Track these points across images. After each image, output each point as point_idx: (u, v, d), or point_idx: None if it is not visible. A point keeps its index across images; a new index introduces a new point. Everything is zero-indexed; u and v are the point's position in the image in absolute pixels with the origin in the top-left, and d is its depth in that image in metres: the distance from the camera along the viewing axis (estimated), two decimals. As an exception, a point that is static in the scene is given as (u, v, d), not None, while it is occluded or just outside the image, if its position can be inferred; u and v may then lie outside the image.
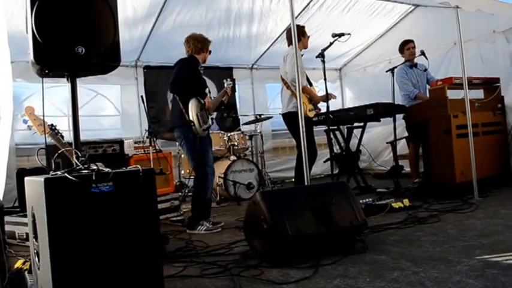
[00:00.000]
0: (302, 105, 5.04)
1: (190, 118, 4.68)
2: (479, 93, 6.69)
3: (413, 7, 8.36)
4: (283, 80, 5.85)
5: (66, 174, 2.27)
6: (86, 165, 2.49)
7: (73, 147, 2.69)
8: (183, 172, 7.40)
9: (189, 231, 4.76)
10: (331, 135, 6.85)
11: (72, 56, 2.57)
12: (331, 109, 5.71)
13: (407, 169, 7.72)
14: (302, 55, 5.75)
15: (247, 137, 7.74)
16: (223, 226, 4.88)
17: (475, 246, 3.34)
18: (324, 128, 6.19)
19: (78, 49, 2.57)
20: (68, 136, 3.13)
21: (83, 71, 2.82)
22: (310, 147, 5.14)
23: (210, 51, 5.14)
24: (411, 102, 6.64)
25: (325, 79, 5.01)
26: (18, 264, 3.31)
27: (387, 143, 8.64)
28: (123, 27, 6.69)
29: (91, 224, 2.31)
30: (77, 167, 2.48)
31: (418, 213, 4.81)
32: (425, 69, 6.87)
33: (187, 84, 4.74)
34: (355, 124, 7.16)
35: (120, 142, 5.65)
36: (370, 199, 5.16)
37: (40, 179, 2.24)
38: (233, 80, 5.53)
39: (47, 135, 3.44)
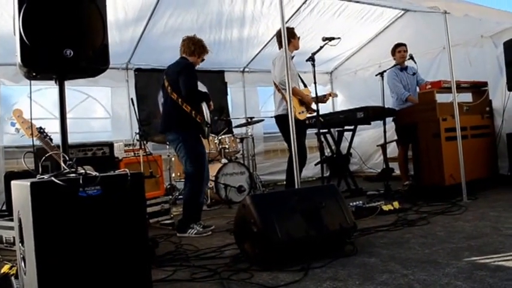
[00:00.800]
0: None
1: (207, 120, 4.72)
2: (467, 97, 6.74)
3: (403, 12, 8.41)
4: (274, 83, 5.85)
5: (52, 178, 2.25)
6: (73, 169, 2.48)
7: (61, 150, 2.68)
8: (173, 175, 7.38)
9: (179, 235, 4.74)
10: (322, 138, 6.88)
11: (60, 59, 2.56)
12: (322, 112, 5.72)
13: (397, 172, 7.74)
14: (293, 57, 5.75)
15: (238, 140, 7.74)
16: (213, 229, 4.87)
17: (463, 248, 3.36)
18: (315, 131, 6.19)
19: (66, 52, 2.56)
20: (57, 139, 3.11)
21: (72, 74, 2.80)
22: (298, 150, 5.15)
23: (203, 59, 5.13)
24: (401, 105, 6.68)
25: (315, 82, 5.02)
26: (5, 269, 3.28)
27: (378, 145, 8.67)
28: (113, 30, 6.74)
29: (78, 228, 2.29)
30: (64, 171, 2.47)
31: (407, 215, 4.83)
32: (414, 73, 6.91)
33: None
34: (346, 127, 7.18)
35: (110, 145, 5.62)
36: (361, 202, 5.17)
37: (26, 183, 2.22)
38: (225, 84, 5.54)
39: (35, 138, 3.42)
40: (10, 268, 3.25)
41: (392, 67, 6.78)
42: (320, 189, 3.91)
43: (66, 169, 2.49)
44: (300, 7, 7.64)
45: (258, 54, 9.07)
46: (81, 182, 2.30)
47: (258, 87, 9.93)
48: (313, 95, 5.79)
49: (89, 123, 8.16)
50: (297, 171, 4.25)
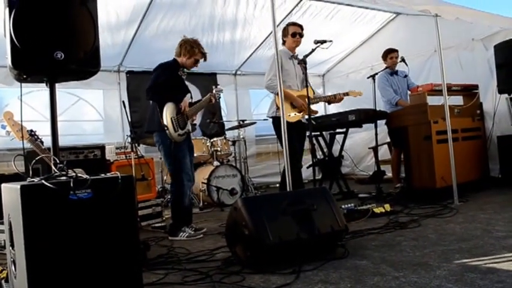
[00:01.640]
0: (279, 111, 4.98)
1: (164, 122, 4.66)
2: (458, 100, 6.78)
3: (394, 15, 8.45)
4: None
5: (43, 181, 2.24)
6: (64, 172, 2.47)
7: (51, 153, 2.66)
8: (165, 178, 7.36)
9: (170, 238, 4.73)
10: (314, 141, 6.88)
11: (51, 61, 2.54)
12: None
13: (389, 174, 7.77)
14: (292, 56, 5.58)
15: (230, 143, 7.74)
16: (205, 232, 4.87)
17: (454, 250, 3.37)
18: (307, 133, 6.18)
19: (57, 54, 2.54)
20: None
21: (62, 76, 2.78)
22: (293, 151, 5.12)
23: (196, 60, 4.97)
24: (393, 108, 6.71)
25: (306, 86, 5.02)
26: (-4, 272, 3.26)
27: (369, 148, 8.70)
28: (105, 32, 6.73)
29: (69, 231, 2.28)
30: (55, 174, 2.45)
31: (399, 218, 4.84)
32: (406, 76, 6.95)
33: (163, 90, 4.72)
34: (338, 130, 7.20)
35: (102, 148, 5.60)
36: (352, 204, 5.18)
37: (16, 186, 2.21)
38: (217, 86, 5.46)
39: (25, 140, 3.40)
40: (0, 272, 3.23)
41: (382, 70, 6.81)
42: (312, 191, 3.91)
43: (56, 172, 2.48)
44: (291, 10, 7.66)
45: (250, 56, 9.09)
46: (71, 185, 2.29)
47: (250, 90, 9.94)
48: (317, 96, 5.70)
49: (81, 126, 8.13)
50: (289, 174, 4.26)
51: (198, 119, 8.19)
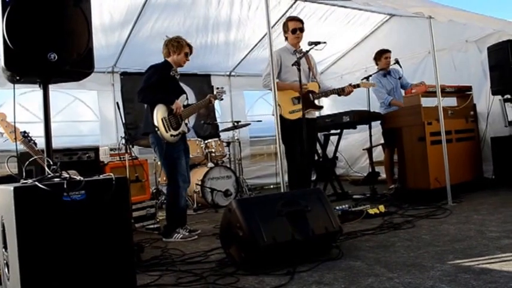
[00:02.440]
0: (279, 108, 4.87)
1: (155, 123, 4.65)
2: (452, 101, 6.81)
3: (388, 17, 8.48)
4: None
5: (36, 183, 2.23)
6: (57, 173, 2.46)
7: (45, 154, 2.65)
8: (159, 179, 7.35)
9: (165, 240, 4.72)
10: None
11: (44, 63, 2.52)
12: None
13: (383, 175, 7.78)
14: (295, 51, 5.41)
15: (224, 144, 7.74)
16: (199, 234, 4.86)
17: (448, 251, 3.38)
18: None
19: (50, 55, 2.53)
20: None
21: (56, 78, 2.76)
22: (290, 150, 5.07)
23: (186, 54, 4.96)
24: (388, 109, 6.72)
25: (300, 87, 5.01)
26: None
27: (364, 149, 8.71)
28: (99, 33, 6.72)
29: (62, 233, 2.27)
30: (48, 175, 2.44)
31: (393, 219, 4.85)
32: (400, 77, 6.97)
33: (155, 91, 4.71)
34: (332, 131, 7.21)
35: (95, 149, 5.60)
36: (347, 205, 5.19)
37: (9, 187, 2.20)
38: (211, 87, 5.44)
39: (18, 142, 3.39)
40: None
41: (375, 73, 6.82)
42: (306, 193, 3.90)
43: (50, 174, 2.47)
44: (286, 11, 7.66)
45: (244, 58, 9.09)
46: (65, 186, 2.28)
47: (244, 92, 9.95)
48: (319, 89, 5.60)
49: (77, 127, 8.13)
50: (282, 175, 4.26)
51: (191, 121, 8.18)
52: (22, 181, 2.35)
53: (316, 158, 7.17)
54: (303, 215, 3.48)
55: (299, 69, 4.93)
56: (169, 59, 4.92)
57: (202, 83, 9.12)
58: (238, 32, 8.06)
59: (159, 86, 4.72)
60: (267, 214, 3.36)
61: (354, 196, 6.65)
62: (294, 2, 7.53)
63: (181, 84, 5.17)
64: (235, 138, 8.06)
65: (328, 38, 5.37)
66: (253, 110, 10.02)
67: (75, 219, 2.32)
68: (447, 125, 5.81)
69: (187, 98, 5.05)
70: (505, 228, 3.97)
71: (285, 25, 5.55)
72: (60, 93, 7.62)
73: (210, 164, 7.19)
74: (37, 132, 3.64)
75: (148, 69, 4.83)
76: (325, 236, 3.53)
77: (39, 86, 2.71)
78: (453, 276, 2.74)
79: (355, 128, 7.15)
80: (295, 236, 3.34)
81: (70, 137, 7.73)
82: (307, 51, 5.19)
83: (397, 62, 6.60)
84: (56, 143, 2.79)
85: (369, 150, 7.50)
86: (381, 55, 6.94)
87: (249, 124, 8.30)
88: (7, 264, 2.44)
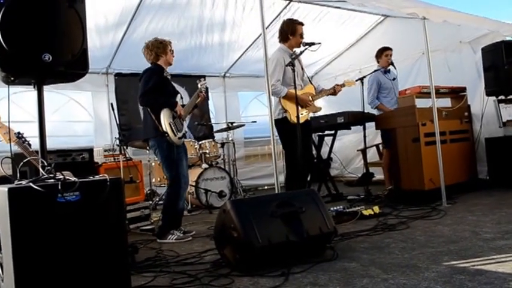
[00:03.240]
0: (287, 113, 5.12)
1: (164, 129, 4.66)
2: (446, 102, 6.82)
3: (382, 18, 8.48)
4: None
5: (31, 184, 2.22)
6: (52, 175, 2.45)
7: (39, 155, 2.64)
8: (154, 180, 7.33)
9: (159, 241, 4.71)
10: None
11: (39, 64, 2.51)
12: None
13: (377, 176, 7.80)
14: (293, 54, 5.34)
15: (219, 145, 7.73)
16: (194, 235, 4.85)
17: (443, 252, 3.39)
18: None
19: (45, 56, 2.52)
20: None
21: (50, 79, 2.75)
22: (293, 153, 5.07)
23: (171, 51, 4.98)
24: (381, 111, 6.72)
25: (295, 88, 5.01)
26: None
27: (358, 150, 8.72)
28: (93, 34, 6.70)
29: (56, 234, 2.27)
30: (43, 176, 2.43)
31: (387, 220, 4.85)
32: (394, 79, 6.97)
33: (156, 95, 4.71)
34: (326, 132, 7.21)
35: (90, 150, 5.58)
36: (341, 206, 5.18)
37: (4, 188, 2.19)
38: (206, 89, 5.45)
39: (13, 143, 3.38)
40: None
41: (375, 71, 6.81)
42: (300, 194, 3.91)
43: (44, 175, 2.46)
44: (280, 12, 7.65)
45: (238, 59, 9.08)
46: (59, 187, 2.27)
47: (238, 92, 9.96)
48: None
49: (72, 127, 8.09)
50: (277, 176, 4.26)
51: (186, 121, 8.17)
52: (16, 182, 2.34)
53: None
54: (297, 216, 3.48)
55: (293, 70, 4.93)
56: (159, 62, 4.91)
57: (196, 84, 9.08)
58: (232, 33, 8.05)
59: (159, 88, 4.73)
60: (262, 215, 3.35)
61: (349, 197, 6.66)
62: (288, 3, 7.52)
63: (175, 85, 5.18)
64: (230, 139, 8.06)
65: (322, 39, 5.34)
66: (248, 111, 10.01)
67: (69, 220, 2.31)
68: (441, 125, 5.82)
69: (181, 98, 5.06)
70: (499, 229, 3.98)
71: (293, 27, 5.40)
72: (55, 94, 7.58)
73: (205, 165, 7.19)
74: (32, 132, 3.62)
75: (143, 73, 4.83)
76: (320, 237, 3.53)
77: (34, 87, 2.70)
78: (448, 278, 2.75)
79: (349, 129, 7.16)
80: (289, 237, 3.34)
81: (64, 137, 7.69)
82: (302, 52, 5.19)
83: (391, 63, 6.61)
84: (50, 144, 2.77)
85: (363, 151, 7.51)
86: (382, 52, 6.91)
87: (243, 125, 8.30)
88: (1, 266, 2.43)
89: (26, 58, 2.50)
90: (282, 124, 5.13)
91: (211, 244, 4.13)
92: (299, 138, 4.80)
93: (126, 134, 7.79)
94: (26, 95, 6.53)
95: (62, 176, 2.40)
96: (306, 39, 5.28)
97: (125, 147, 5.60)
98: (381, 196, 6.47)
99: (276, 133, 4.64)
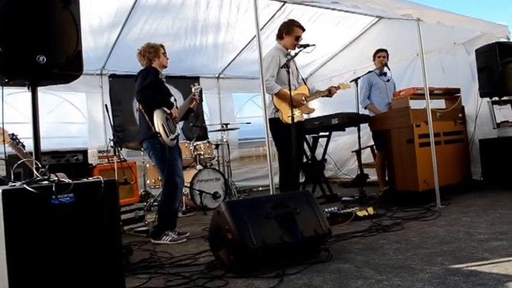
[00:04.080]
0: (279, 112, 5.14)
1: (156, 129, 4.65)
2: (441, 103, 6.84)
3: (377, 19, 8.50)
4: None
5: (25, 186, 2.21)
6: (46, 176, 2.44)
7: (33, 157, 2.63)
8: (148, 182, 7.32)
9: (153, 241, 4.70)
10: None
11: (33, 65, 2.51)
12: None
13: (372, 178, 7.81)
14: (288, 54, 5.40)
15: (213, 146, 7.73)
16: (188, 236, 4.84)
17: (437, 253, 3.40)
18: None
19: (39, 58, 2.51)
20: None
21: (44, 80, 2.75)
22: (286, 153, 5.07)
23: (164, 53, 5.00)
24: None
25: (290, 89, 5.02)
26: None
27: (352, 151, 8.73)
28: (88, 35, 6.68)
29: (50, 236, 2.26)
30: (37, 178, 2.42)
31: (382, 221, 4.86)
32: (389, 80, 6.99)
33: (153, 93, 4.71)
34: (321, 133, 7.22)
35: (84, 152, 5.56)
36: (336, 208, 5.20)
37: (-3, 190, 2.18)
38: (200, 90, 5.46)
39: (7, 145, 3.36)
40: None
41: (369, 72, 6.83)
42: (295, 195, 3.91)
43: (38, 176, 2.45)
44: (274, 14, 7.66)
45: (233, 60, 9.08)
46: (53, 189, 2.26)
47: (233, 94, 9.95)
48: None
49: (66, 128, 8.06)
50: (272, 177, 4.27)
51: (180, 123, 8.16)
52: (10, 184, 2.33)
53: (304, 160, 7.19)
54: (292, 217, 3.49)
55: (288, 72, 4.94)
56: (154, 64, 4.92)
57: (190, 85, 9.07)
58: (227, 34, 8.05)
59: (155, 88, 4.73)
60: (256, 216, 3.35)
61: (343, 198, 6.66)
62: (283, 5, 7.52)
63: (169, 86, 5.19)
64: (224, 140, 8.06)
65: (317, 41, 5.35)
66: (242, 112, 10.01)
67: (63, 222, 2.30)
68: (436, 127, 5.85)
69: (175, 100, 5.06)
70: (493, 230, 3.99)
71: (290, 28, 5.41)
72: (49, 95, 7.55)
73: (199, 167, 7.18)
74: (26, 133, 3.61)
75: (140, 72, 4.83)
76: (314, 238, 3.53)
77: (28, 89, 2.69)
78: (442, 279, 2.76)
79: (343, 130, 7.16)
80: (284, 239, 3.34)
81: (58, 138, 7.66)
82: (297, 54, 5.20)
83: (385, 65, 6.63)
84: (45, 145, 2.77)
85: (358, 153, 7.53)
86: (375, 54, 6.95)
87: (238, 128, 8.32)
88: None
89: (20, 60, 2.50)
90: (275, 124, 5.13)
91: (205, 245, 4.13)
92: (293, 139, 4.81)
93: (120, 135, 7.78)
94: (19, 96, 6.52)
95: (56, 178, 2.39)
96: (300, 41, 5.29)
97: (119, 148, 5.58)
98: (375, 197, 6.48)
99: (270, 134, 4.65)
